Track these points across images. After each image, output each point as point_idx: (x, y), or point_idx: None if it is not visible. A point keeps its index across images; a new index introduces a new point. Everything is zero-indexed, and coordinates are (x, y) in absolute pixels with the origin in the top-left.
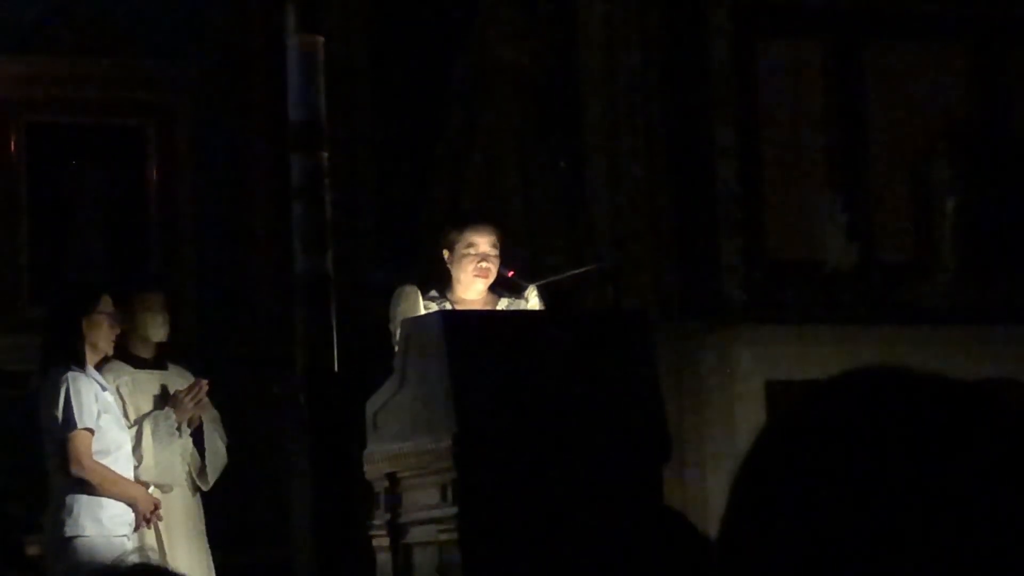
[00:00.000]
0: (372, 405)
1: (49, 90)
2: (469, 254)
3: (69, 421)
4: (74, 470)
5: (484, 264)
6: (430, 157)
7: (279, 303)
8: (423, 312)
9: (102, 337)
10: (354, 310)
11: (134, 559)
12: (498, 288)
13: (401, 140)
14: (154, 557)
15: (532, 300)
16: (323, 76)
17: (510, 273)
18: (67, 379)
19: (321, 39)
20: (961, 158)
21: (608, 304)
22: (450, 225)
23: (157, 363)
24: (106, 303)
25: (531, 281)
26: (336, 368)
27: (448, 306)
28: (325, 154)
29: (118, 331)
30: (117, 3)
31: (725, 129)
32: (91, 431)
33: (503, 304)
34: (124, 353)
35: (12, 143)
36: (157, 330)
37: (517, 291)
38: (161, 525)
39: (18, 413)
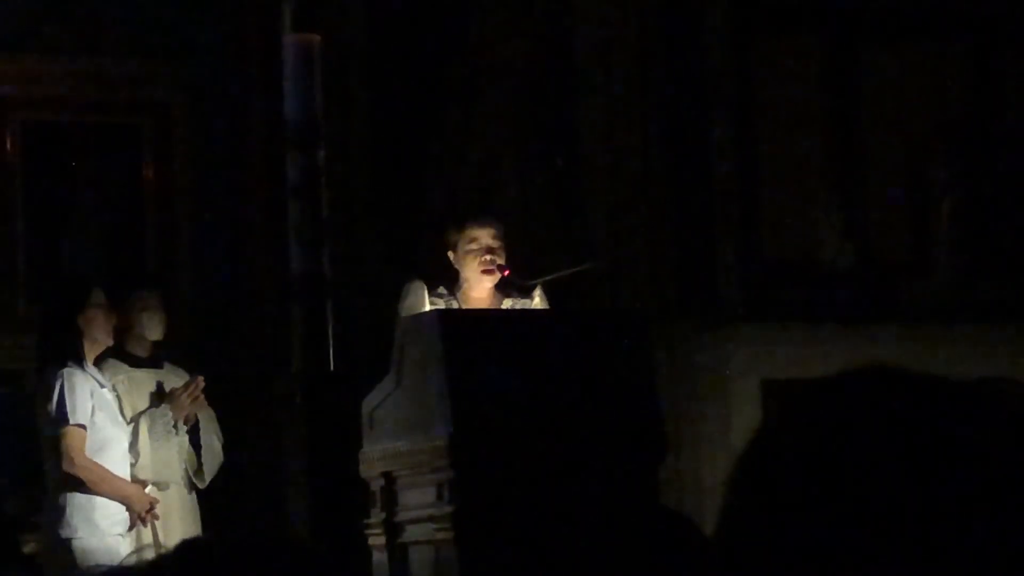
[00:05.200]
0: (368, 404)
1: (45, 88)
2: (472, 249)
3: (62, 417)
4: (66, 467)
5: (489, 257)
6: (426, 155)
7: (275, 302)
8: (428, 307)
9: (99, 329)
10: (350, 309)
11: (131, 561)
12: (505, 287)
13: (397, 138)
14: (150, 556)
15: (538, 299)
16: (319, 75)
17: (506, 272)
18: (62, 375)
19: (317, 38)
20: (958, 157)
21: (604, 303)
22: (451, 225)
23: (153, 361)
24: (97, 295)
25: (527, 279)
26: (332, 367)
27: (455, 304)
28: (322, 153)
29: (115, 321)
30: (113, 1)
31: (722, 127)
32: (84, 428)
33: (508, 303)
34: (120, 351)
35: (8, 142)
36: (153, 329)
37: (524, 291)
38: (158, 523)
39: (15, 411)
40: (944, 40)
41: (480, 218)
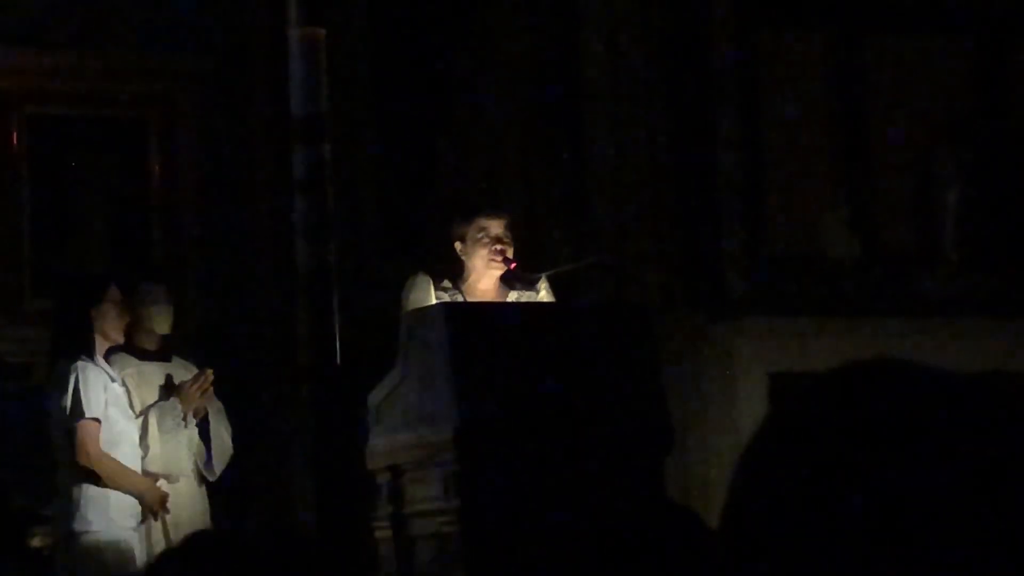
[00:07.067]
0: (374, 398)
1: (51, 82)
2: (482, 239)
3: (77, 410)
4: (81, 460)
5: (499, 247)
6: (432, 150)
7: (281, 296)
8: (434, 301)
9: (111, 326)
10: (356, 302)
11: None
12: (511, 280)
13: (403, 132)
14: (160, 548)
15: (543, 292)
16: (325, 69)
17: (512, 265)
18: (76, 368)
19: (323, 31)
20: (963, 150)
21: (610, 296)
22: (459, 217)
23: (161, 355)
24: (113, 292)
25: (532, 272)
26: (338, 361)
27: (459, 297)
28: (327, 147)
29: (127, 319)
30: None
31: (727, 121)
32: (99, 421)
33: (513, 296)
34: (129, 345)
35: (14, 135)
36: (161, 322)
37: (529, 283)
38: (168, 516)
39: (22, 405)
40: (950, 33)
41: (490, 209)
